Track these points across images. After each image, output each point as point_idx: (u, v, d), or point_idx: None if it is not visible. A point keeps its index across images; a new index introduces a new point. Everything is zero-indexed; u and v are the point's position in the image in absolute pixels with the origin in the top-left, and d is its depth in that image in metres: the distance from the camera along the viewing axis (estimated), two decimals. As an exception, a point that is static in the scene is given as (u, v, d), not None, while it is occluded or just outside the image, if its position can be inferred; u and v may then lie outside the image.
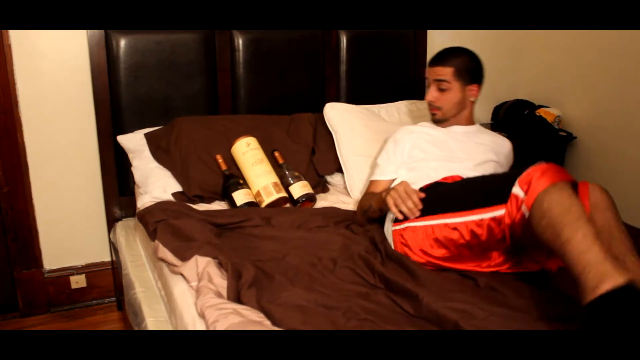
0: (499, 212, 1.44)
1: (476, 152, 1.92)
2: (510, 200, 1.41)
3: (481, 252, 1.56)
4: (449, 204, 1.58)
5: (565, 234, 1.24)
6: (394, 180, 1.97)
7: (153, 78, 2.19)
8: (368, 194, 1.96)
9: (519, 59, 2.92)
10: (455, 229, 1.54)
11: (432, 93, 1.93)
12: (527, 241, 1.46)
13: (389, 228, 1.74)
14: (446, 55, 1.92)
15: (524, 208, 1.37)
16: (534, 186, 1.34)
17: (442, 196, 1.65)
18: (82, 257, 2.39)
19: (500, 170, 1.98)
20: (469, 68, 1.91)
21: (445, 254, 1.59)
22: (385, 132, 2.29)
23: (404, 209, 1.63)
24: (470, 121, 1.99)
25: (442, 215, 1.57)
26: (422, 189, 1.74)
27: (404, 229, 1.67)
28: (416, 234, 1.63)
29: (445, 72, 1.88)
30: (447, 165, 1.86)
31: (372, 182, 2.01)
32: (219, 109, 2.34)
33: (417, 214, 1.63)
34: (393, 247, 1.70)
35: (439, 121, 1.97)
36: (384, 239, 1.73)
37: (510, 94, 2.91)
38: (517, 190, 1.39)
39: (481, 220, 1.49)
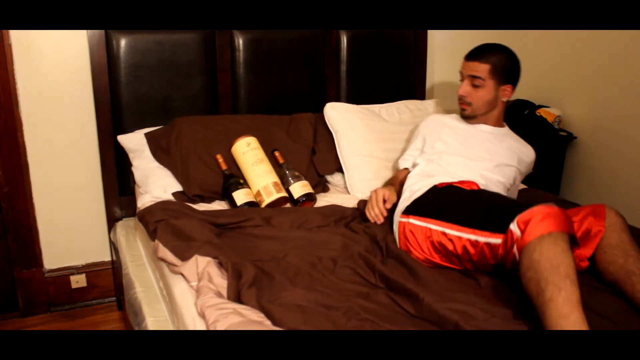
0: (495, 240, 1.44)
1: (499, 154, 1.89)
2: (507, 234, 1.39)
3: (471, 268, 1.57)
4: (451, 214, 1.58)
5: (548, 293, 1.22)
6: (406, 170, 2.01)
7: (153, 78, 2.19)
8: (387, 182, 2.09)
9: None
10: (451, 240, 1.55)
11: (464, 88, 1.90)
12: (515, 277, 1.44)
13: (396, 218, 1.76)
14: (484, 52, 1.88)
15: (515, 249, 1.35)
16: (530, 229, 1.31)
17: (448, 204, 1.64)
18: (82, 256, 2.39)
19: (519, 177, 1.97)
20: (506, 67, 1.86)
21: (441, 258, 1.61)
22: (386, 132, 2.30)
23: (372, 214, 1.84)
24: (499, 122, 1.96)
25: (443, 223, 1.58)
26: (436, 187, 1.74)
27: (406, 222, 1.68)
28: (416, 231, 1.65)
29: (481, 68, 1.85)
30: (467, 163, 1.85)
31: (396, 171, 2.10)
32: (219, 109, 2.34)
33: (381, 220, 1.82)
34: (398, 237, 1.71)
35: (467, 117, 1.94)
36: (385, 235, 1.74)
37: (510, 93, 2.91)
38: (514, 227, 1.37)
39: (476, 241, 1.49)
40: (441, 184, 1.76)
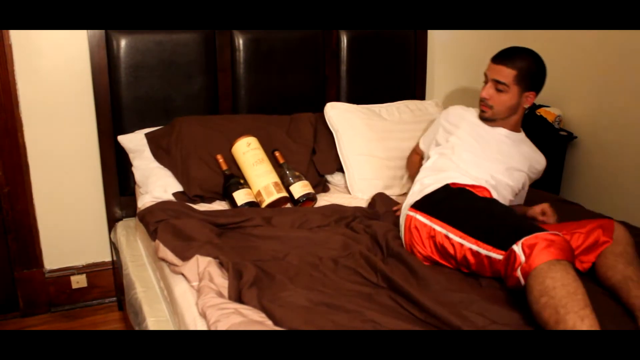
0: (496, 255, 1.43)
1: (511, 158, 1.88)
2: (509, 253, 1.38)
3: (468, 271, 1.57)
4: (458, 220, 1.57)
5: (570, 322, 1.20)
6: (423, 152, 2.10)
7: (153, 78, 2.19)
8: (410, 161, 2.24)
9: (519, 59, 2.92)
10: (453, 245, 1.56)
11: (487, 90, 1.85)
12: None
13: (404, 211, 1.77)
14: (512, 56, 1.83)
15: (519, 273, 1.34)
16: (535, 255, 1.31)
17: (457, 208, 1.63)
18: (82, 257, 2.39)
19: (528, 182, 1.97)
20: (532, 74, 1.82)
21: (440, 257, 1.61)
22: (386, 131, 2.30)
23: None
24: (516, 127, 1.94)
25: (448, 227, 1.58)
26: (448, 187, 1.74)
27: (413, 217, 1.69)
28: (421, 228, 1.65)
29: (507, 73, 1.80)
30: (479, 161, 1.83)
31: (417, 144, 2.22)
32: (220, 109, 2.34)
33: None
34: (403, 229, 1.72)
35: (487, 120, 1.91)
36: (386, 232, 1.75)
37: (510, 93, 2.91)
38: (518, 249, 1.35)
39: (477, 252, 1.49)
40: (454, 184, 1.75)
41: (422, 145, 2.17)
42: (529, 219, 1.77)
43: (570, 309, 1.21)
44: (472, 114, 1.99)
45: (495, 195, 1.76)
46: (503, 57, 1.84)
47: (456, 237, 1.54)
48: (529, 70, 1.81)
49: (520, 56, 1.83)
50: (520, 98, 1.85)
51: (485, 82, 1.88)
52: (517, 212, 1.74)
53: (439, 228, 1.60)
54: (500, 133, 1.91)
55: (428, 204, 1.69)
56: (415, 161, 2.19)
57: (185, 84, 2.25)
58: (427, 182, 1.80)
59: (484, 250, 1.46)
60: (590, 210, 2.07)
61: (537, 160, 1.98)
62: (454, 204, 1.66)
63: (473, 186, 1.75)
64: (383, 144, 2.26)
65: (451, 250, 1.56)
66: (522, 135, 1.98)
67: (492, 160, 1.85)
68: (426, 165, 1.92)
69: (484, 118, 1.91)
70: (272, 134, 2.22)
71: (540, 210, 1.82)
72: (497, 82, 1.83)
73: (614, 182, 2.54)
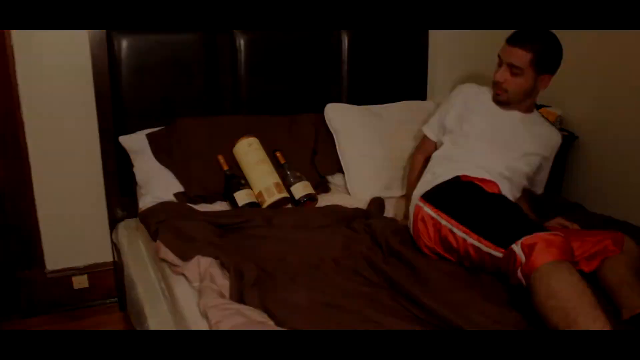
0: (496, 253, 1.44)
1: (526, 142, 1.85)
2: (509, 252, 1.38)
3: (470, 266, 1.57)
4: (463, 215, 1.58)
5: (581, 324, 1.19)
6: (435, 143, 2.02)
7: (155, 78, 2.19)
8: (414, 162, 2.10)
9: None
10: (457, 239, 1.56)
11: (502, 73, 1.80)
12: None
13: (414, 200, 1.77)
14: (529, 38, 1.76)
15: (520, 274, 1.34)
16: (536, 256, 1.30)
17: (464, 203, 1.63)
18: (84, 257, 2.39)
19: (544, 163, 1.94)
20: (549, 57, 1.77)
21: (444, 250, 1.63)
22: (387, 132, 2.30)
23: None
24: (530, 109, 1.90)
25: (453, 221, 1.59)
26: (458, 180, 1.73)
27: (421, 208, 1.69)
28: (427, 220, 1.66)
29: (523, 56, 1.75)
30: (493, 151, 1.81)
31: (424, 136, 2.10)
32: (221, 110, 2.35)
33: None
34: (411, 219, 1.72)
35: (501, 103, 1.86)
36: (384, 228, 1.75)
37: (511, 93, 2.90)
38: (517, 249, 1.35)
39: (479, 248, 1.49)
40: (464, 176, 1.74)
41: (430, 134, 2.08)
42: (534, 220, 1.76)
43: (581, 311, 1.20)
44: (486, 95, 1.93)
45: (506, 189, 1.75)
46: (519, 39, 1.77)
47: (460, 232, 1.55)
48: (546, 53, 1.76)
49: (537, 38, 1.76)
50: (536, 81, 1.80)
51: (499, 65, 1.82)
52: None
53: (444, 222, 1.60)
54: (515, 117, 1.87)
55: (436, 197, 1.69)
56: (419, 163, 2.10)
57: (186, 85, 2.25)
58: (439, 172, 1.79)
59: (485, 247, 1.47)
60: (593, 212, 2.07)
61: (551, 137, 1.95)
62: (461, 198, 1.66)
63: (483, 180, 1.74)
64: (383, 145, 2.26)
65: (454, 244, 1.56)
66: (534, 114, 1.94)
67: (507, 148, 1.82)
68: (438, 153, 1.90)
69: (498, 101, 1.87)
70: (273, 135, 2.22)
71: (556, 223, 1.81)
72: (511, 65, 1.77)
73: (615, 182, 2.54)
